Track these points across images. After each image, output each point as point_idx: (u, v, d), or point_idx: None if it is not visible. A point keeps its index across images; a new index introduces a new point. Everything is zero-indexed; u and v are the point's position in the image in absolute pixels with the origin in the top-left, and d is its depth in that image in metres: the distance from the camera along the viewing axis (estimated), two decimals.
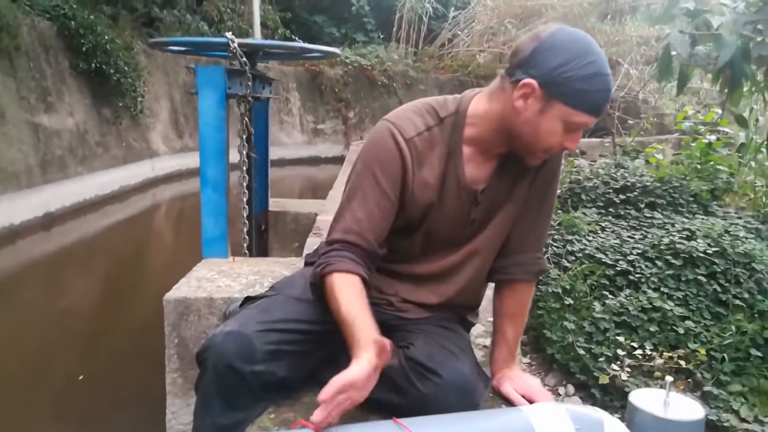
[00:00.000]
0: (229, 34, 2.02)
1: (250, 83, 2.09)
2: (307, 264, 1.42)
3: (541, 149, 1.10)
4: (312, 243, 1.88)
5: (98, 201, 7.03)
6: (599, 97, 1.03)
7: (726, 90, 2.00)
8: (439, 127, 1.17)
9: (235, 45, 1.99)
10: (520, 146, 1.12)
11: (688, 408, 0.80)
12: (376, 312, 1.25)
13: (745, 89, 1.94)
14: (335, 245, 1.11)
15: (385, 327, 1.24)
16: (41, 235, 5.71)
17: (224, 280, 1.82)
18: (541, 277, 2.93)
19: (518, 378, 1.24)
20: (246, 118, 2.17)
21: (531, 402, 1.16)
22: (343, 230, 1.12)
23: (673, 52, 1.90)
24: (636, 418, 0.81)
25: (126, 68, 7.82)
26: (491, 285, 1.37)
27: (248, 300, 1.25)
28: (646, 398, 0.82)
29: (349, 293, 1.05)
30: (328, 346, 1.20)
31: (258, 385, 1.08)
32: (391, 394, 1.09)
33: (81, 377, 2.67)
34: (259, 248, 2.66)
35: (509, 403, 1.19)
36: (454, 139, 1.17)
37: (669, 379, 0.82)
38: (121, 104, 8.06)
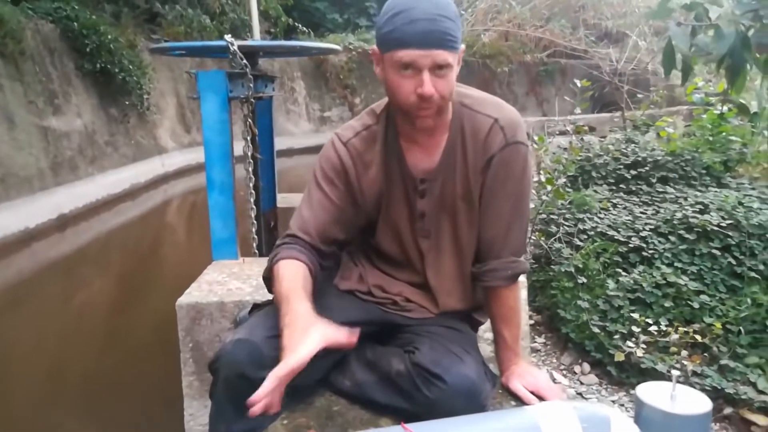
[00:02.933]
0: (228, 37, 2.02)
1: (251, 85, 2.10)
2: None
3: (405, 104, 1.10)
4: None
5: (110, 200, 7.10)
6: (403, 29, 1.04)
7: (727, 79, 1.98)
8: (377, 124, 1.23)
9: (235, 48, 1.99)
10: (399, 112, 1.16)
11: (694, 401, 0.80)
12: (382, 312, 1.27)
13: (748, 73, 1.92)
14: (284, 240, 1.21)
15: (392, 327, 1.26)
16: (56, 236, 5.77)
17: (235, 283, 1.84)
18: (547, 264, 2.95)
19: (527, 374, 1.24)
20: (249, 119, 2.17)
21: (540, 397, 1.18)
22: (291, 228, 1.22)
23: (675, 41, 1.88)
24: (643, 413, 0.81)
25: (131, 66, 7.85)
26: None
27: (256, 307, 1.26)
28: (652, 392, 0.82)
29: (289, 273, 1.12)
30: (338, 350, 1.21)
31: None
32: (399, 400, 1.11)
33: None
34: (269, 245, 2.68)
35: (518, 400, 1.20)
36: (389, 130, 1.22)
37: (675, 373, 0.82)
38: (127, 102, 8.10)
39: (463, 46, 1.11)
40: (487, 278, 1.23)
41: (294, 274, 1.12)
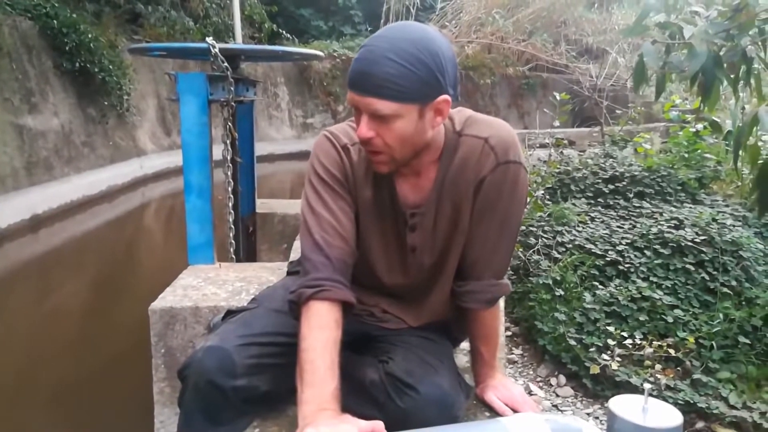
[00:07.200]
0: (209, 39, 2.00)
1: (232, 88, 2.08)
2: (290, 273, 1.41)
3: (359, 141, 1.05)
4: (299, 246, 1.87)
5: (86, 201, 6.96)
6: (353, 66, 0.99)
7: (700, 97, 2.03)
8: None
9: (216, 50, 1.97)
10: None
11: (666, 414, 0.80)
12: (358, 322, 1.26)
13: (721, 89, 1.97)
14: (313, 261, 1.07)
15: (367, 338, 1.25)
16: (28, 237, 5.65)
17: (210, 288, 1.81)
18: (528, 277, 2.97)
19: (501, 386, 1.24)
20: (229, 123, 2.16)
21: (514, 410, 1.18)
22: (317, 242, 1.07)
23: (646, 58, 1.92)
24: (615, 426, 0.81)
25: (111, 66, 7.73)
26: None
27: (229, 313, 1.24)
28: (624, 405, 0.82)
29: (320, 336, 1.00)
30: None
31: (240, 399, 1.08)
32: (372, 409, 1.09)
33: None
34: (247, 250, 2.66)
35: (493, 411, 1.20)
36: None
37: (647, 386, 0.82)
38: (106, 103, 7.97)
39: (444, 97, 0.99)
40: (466, 300, 1.20)
41: (325, 339, 1.00)
